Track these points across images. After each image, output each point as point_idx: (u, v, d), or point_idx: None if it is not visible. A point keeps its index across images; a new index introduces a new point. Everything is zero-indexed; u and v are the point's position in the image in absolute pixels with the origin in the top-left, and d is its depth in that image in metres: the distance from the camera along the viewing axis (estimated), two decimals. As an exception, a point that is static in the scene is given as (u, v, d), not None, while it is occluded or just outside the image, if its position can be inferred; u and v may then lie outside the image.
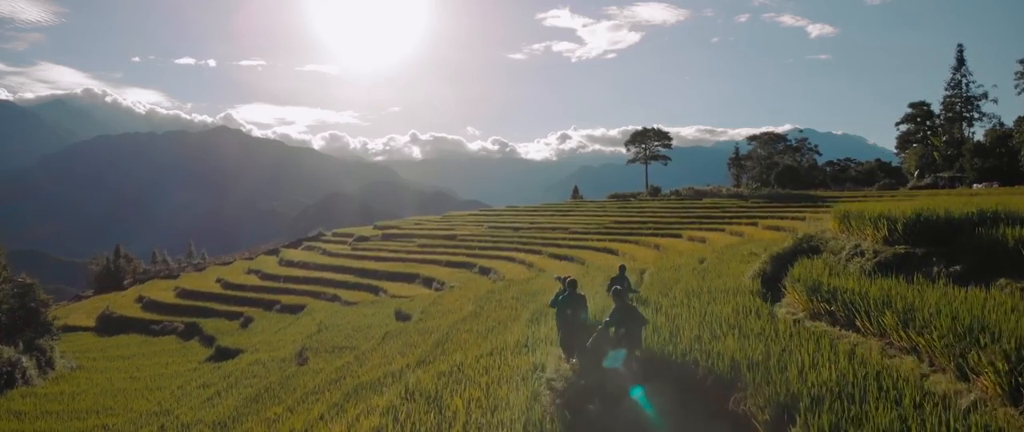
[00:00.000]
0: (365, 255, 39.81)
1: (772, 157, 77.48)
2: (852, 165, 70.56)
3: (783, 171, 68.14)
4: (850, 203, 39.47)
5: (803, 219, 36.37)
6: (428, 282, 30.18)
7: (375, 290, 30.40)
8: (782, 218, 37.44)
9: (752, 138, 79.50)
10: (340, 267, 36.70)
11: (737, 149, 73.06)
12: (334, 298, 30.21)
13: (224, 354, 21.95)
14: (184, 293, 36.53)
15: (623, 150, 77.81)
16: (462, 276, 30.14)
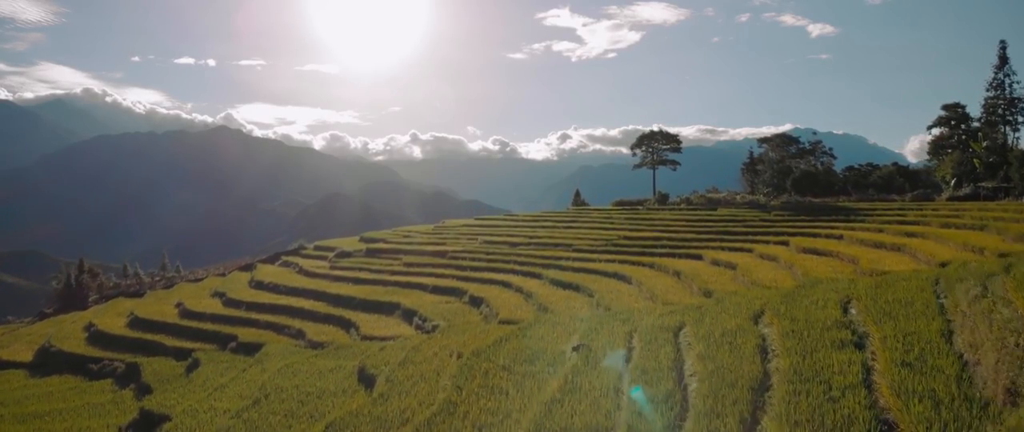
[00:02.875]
0: (343, 276, 35.46)
1: (784, 160, 73.18)
2: (873, 170, 66.04)
3: (800, 177, 63.66)
4: (888, 216, 34.96)
5: (839, 237, 32.00)
6: (408, 316, 25.82)
7: (347, 325, 26.05)
8: (814, 235, 33.03)
9: (763, 141, 75.18)
10: (313, 292, 32.34)
11: (751, 153, 68.57)
12: (299, 334, 25.86)
13: (146, 421, 17.64)
14: (137, 322, 32.19)
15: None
16: (449, 308, 25.78)
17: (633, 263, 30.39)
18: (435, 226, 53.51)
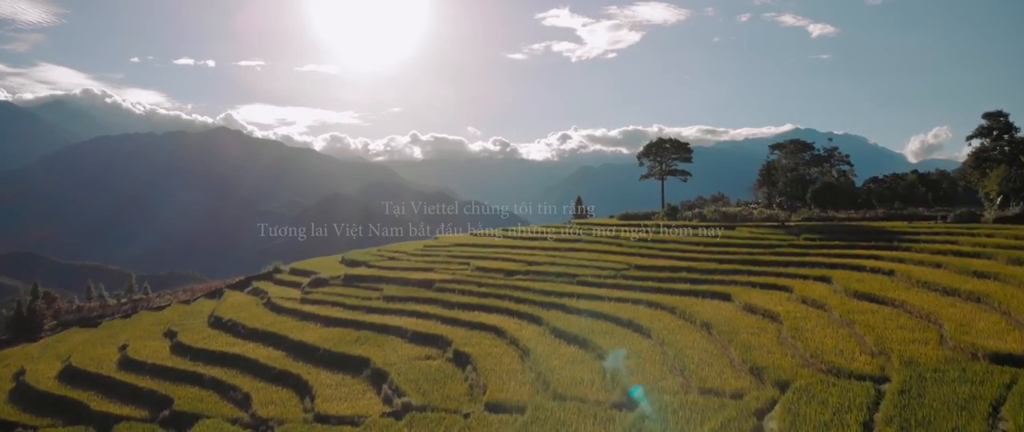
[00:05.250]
0: (313, 313, 30.84)
1: (798, 168, 68.53)
2: (900, 181, 61.27)
3: (821, 189, 59.01)
4: (936, 242, 30.27)
5: (890, 273, 27.36)
6: (378, 380, 21.21)
7: (303, 390, 21.44)
8: (858, 268, 28.32)
9: (775, 147, 70.48)
10: (274, 336, 27.69)
11: (769, 163, 63.81)
12: (244, 401, 21.28)
13: None
14: (69, 374, 27.58)
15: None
16: (428, 370, 21.16)
17: (649, 304, 25.77)
18: (425, 244, 48.91)
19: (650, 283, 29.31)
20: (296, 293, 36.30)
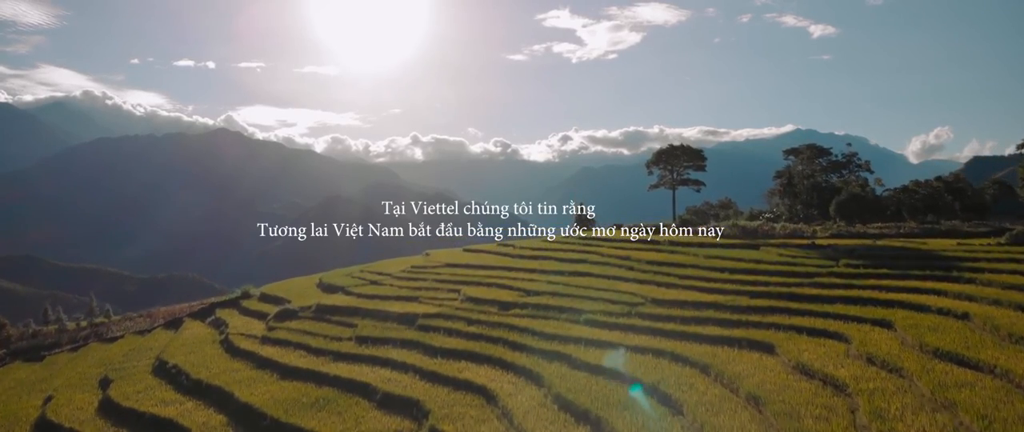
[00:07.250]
0: (271, 359, 26.08)
1: (815, 175, 63.92)
2: (932, 191, 56.45)
3: (847, 200, 54.35)
4: (1000, 270, 25.25)
5: (964, 317, 22.57)
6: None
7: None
8: (921, 308, 23.51)
9: (790, 152, 65.94)
10: (218, 392, 22.93)
11: (789, 170, 59.01)
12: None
13: None
14: (-28, 435, 22.94)
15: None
16: (395, 457, 16.44)
17: (674, 357, 21.00)
18: (413, 265, 44.12)
19: (672, 325, 24.54)
20: (259, 328, 31.57)
